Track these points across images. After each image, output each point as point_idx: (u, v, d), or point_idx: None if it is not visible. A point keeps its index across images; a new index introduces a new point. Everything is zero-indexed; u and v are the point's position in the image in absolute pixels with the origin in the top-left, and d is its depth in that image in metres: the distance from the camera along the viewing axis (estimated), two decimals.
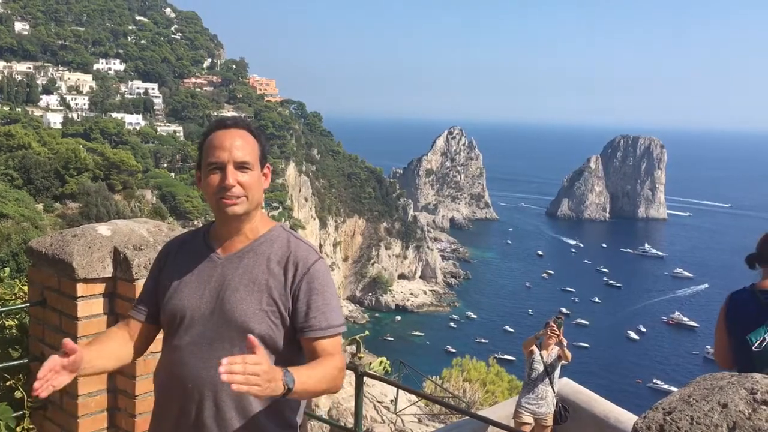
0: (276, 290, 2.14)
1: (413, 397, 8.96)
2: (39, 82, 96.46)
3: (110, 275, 3.35)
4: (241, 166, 2.14)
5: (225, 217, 2.17)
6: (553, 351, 6.50)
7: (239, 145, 2.15)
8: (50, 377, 1.92)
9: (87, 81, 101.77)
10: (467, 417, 6.32)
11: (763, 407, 1.64)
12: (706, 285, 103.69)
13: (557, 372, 6.50)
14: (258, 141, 2.23)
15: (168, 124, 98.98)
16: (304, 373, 1.95)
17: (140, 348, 2.33)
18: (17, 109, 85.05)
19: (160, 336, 2.35)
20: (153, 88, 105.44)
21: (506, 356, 66.71)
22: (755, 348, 3.40)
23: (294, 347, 2.19)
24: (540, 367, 6.36)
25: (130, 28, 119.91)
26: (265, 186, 2.24)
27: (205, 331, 2.15)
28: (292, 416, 2.21)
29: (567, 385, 6.67)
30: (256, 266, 2.17)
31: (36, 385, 1.90)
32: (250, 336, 1.85)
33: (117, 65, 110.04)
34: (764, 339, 3.40)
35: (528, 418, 6.27)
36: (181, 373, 2.14)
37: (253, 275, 2.16)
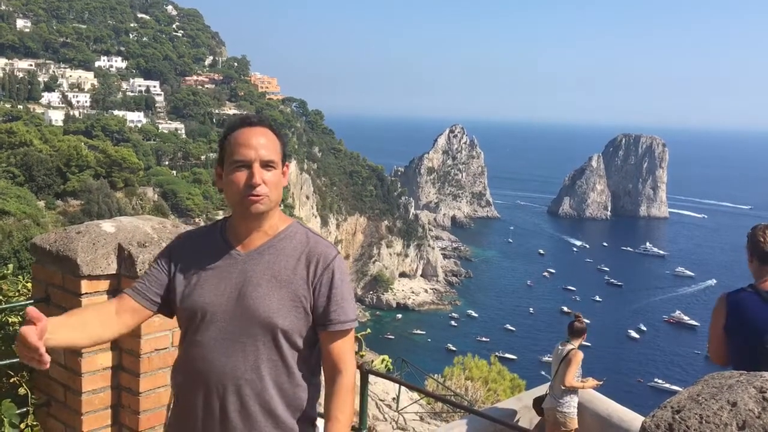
0: (298, 285, 2.17)
1: (415, 396, 8.96)
2: (41, 79, 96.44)
3: (114, 272, 3.35)
4: (267, 165, 2.17)
5: (248, 214, 2.18)
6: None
7: (264, 143, 2.17)
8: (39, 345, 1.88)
9: (89, 78, 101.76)
10: (470, 415, 6.33)
11: None
12: (714, 281, 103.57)
13: None
14: (279, 140, 2.25)
15: (169, 121, 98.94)
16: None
17: (128, 326, 2.28)
18: (19, 107, 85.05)
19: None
20: (154, 86, 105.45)
21: (507, 355, 66.82)
22: None
23: (312, 341, 2.23)
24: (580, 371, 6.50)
25: (132, 25, 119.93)
26: (284, 184, 2.26)
27: (228, 327, 2.15)
28: (311, 410, 2.24)
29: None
30: (277, 262, 2.19)
31: (44, 359, 1.88)
32: None
33: (119, 63, 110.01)
34: None
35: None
36: (203, 369, 2.16)
37: (275, 271, 2.18)
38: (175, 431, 2.28)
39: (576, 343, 6.52)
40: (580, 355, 6.38)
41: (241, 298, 2.16)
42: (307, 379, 2.21)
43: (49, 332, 1.94)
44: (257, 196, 2.13)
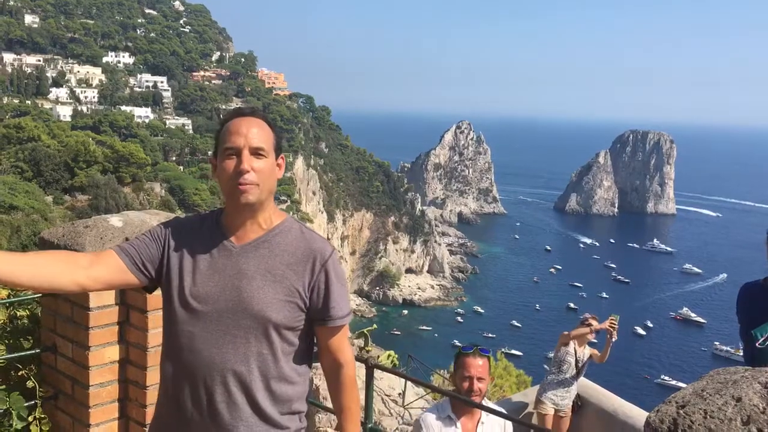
0: (293, 281, 2.17)
1: (421, 391, 8.96)
2: (49, 74, 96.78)
3: None
4: (256, 152, 2.16)
5: (239, 205, 2.17)
6: (586, 349, 6.63)
7: (255, 131, 2.18)
8: None
9: (96, 74, 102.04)
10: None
11: None
12: (724, 275, 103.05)
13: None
14: (273, 131, 2.26)
15: (177, 117, 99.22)
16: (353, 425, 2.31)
17: (97, 280, 2.13)
18: (27, 102, 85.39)
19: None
20: (162, 82, 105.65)
21: (514, 351, 66.80)
22: (759, 344, 3.37)
23: (303, 337, 2.24)
24: (572, 362, 6.45)
25: (140, 21, 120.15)
26: (279, 176, 2.26)
27: (220, 319, 2.15)
28: (298, 404, 2.25)
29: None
30: (272, 257, 2.19)
31: None
32: None
33: (126, 58, 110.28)
34: None
35: (550, 410, 6.35)
36: (193, 360, 2.15)
37: (270, 266, 2.18)
38: (164, 422, 2.27)
39: (574, 331, 6.63)
40: (562, 336, 6.57)
41: (234, 290, 2.15)
42: (297, 374, 2.22)
43: None
44: (246, 184, 2.12)
